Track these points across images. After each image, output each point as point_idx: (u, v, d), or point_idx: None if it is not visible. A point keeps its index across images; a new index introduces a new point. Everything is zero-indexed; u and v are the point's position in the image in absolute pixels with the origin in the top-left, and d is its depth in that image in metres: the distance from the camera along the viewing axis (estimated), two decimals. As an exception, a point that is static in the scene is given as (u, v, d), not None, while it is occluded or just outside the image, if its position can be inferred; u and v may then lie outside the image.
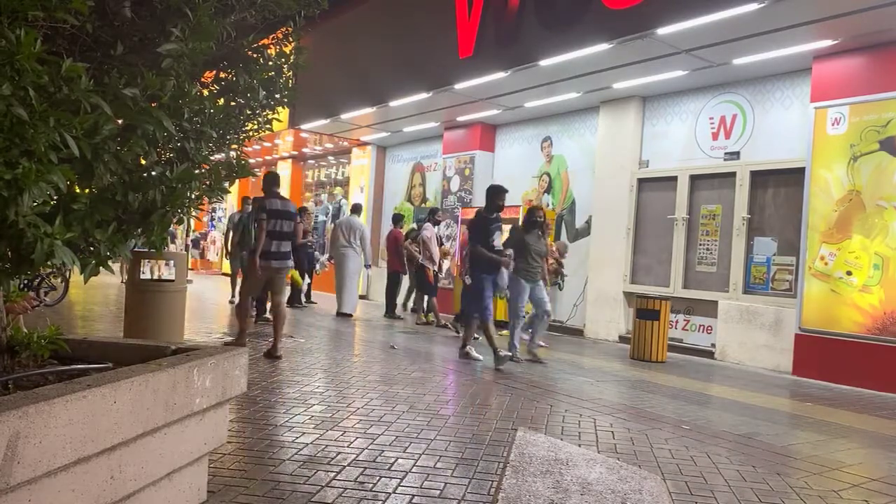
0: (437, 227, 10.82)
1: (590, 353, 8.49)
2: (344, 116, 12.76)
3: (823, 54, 7.40)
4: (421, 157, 14.54)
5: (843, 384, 6.94)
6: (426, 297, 10.41)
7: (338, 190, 17.10)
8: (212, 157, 2.94)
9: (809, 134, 7.52)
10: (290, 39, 3.50)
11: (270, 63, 3.24)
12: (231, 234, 10.92)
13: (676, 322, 9.08)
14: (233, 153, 3.15)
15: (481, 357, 7.02)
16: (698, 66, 8.21)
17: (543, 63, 8.57)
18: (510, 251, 7.16)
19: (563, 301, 10.77)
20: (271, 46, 3.39)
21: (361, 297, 13.13)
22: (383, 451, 3.69)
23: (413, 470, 3.39)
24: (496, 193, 7.10)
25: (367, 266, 11.65)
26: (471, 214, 10.82)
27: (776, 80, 8.33)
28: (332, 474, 3.24)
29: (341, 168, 17.34)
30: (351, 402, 4.80)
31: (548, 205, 11.27)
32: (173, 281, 6.22)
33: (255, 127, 3.29)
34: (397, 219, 11.37)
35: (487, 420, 4.56)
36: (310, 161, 18.61)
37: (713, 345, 8.56)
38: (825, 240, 7.27)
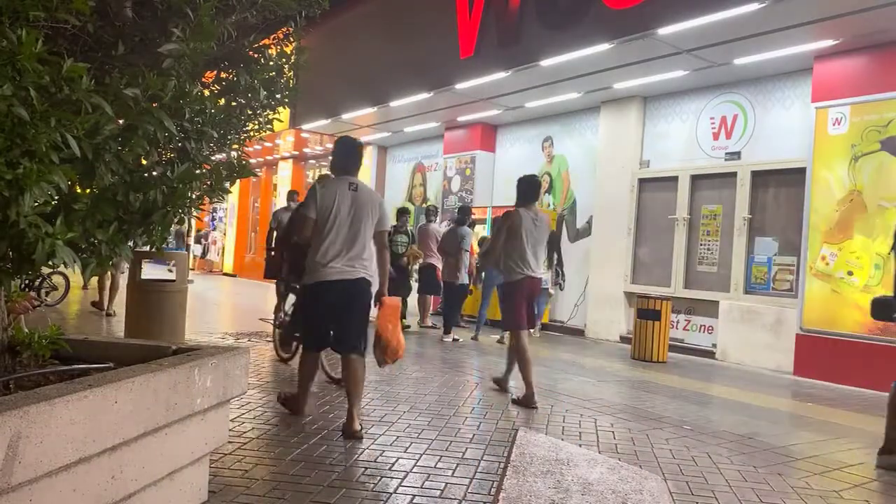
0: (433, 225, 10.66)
1: (591, 353, 8.49)
2: (345, 116, 12.77)
3: (824, 54, 7.39)
4: (422, 157, 14.55)
5: (845, 384, 6.93)
6: (426, 297, 10.26)
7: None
8: (213, 157, 2.94)
9: (810, 134, 7.52)
10: (291, 39, 3.50)
11: (271, 63, 3.24)
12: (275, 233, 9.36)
13: (677, 322, 9.08)
14: (234, 153, 3.15)
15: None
16: (699, 67, 8.20)
17: (544, 63, 8.57)
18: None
19: (563, 301, 10.77)
20: (272, 46, 3.39)
21: None
22: (384, 450, 3.69)
23: (414, 470, 3.39)
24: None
25: None
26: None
27: (777, 80, 8.32)
28: (333, 474, 3.24)
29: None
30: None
31: (549, 205, 11.27)
32: (174, 281, 6.23)
33: (256, 127, 3.29)
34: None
35: (488, 420, 4.56)
36: (311, 161, 18.61)
37: (714, 345, 8.55)
38: (826, 240, 7.26)
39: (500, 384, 5.63)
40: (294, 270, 5.21)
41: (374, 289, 4.11)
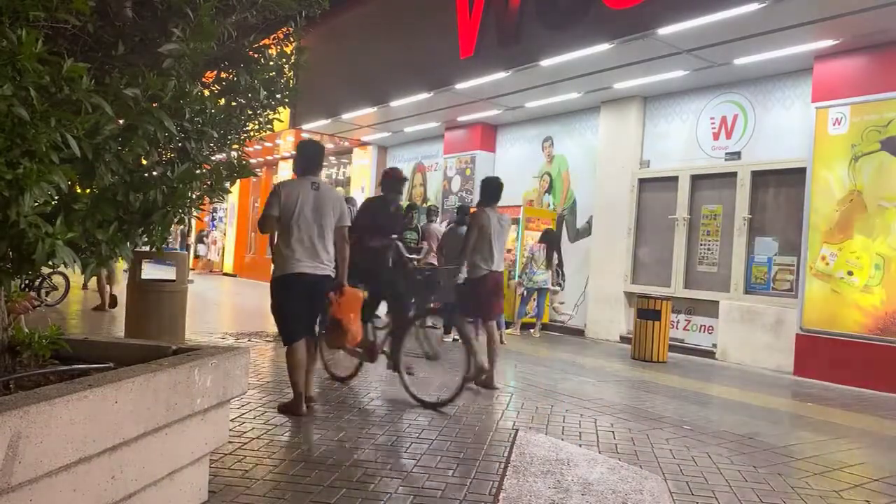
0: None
1: (591, 353, 8.49)
2: (345, 116, 12.77)
3: (824, 54, 7.39)
4: (422, 157, 14.55)
5: (845, 384, 6.93)
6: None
7: (339, 190, 17.09)
8: (213, 157, 2.94)
9: (810, 134, 7.52)
10: (291, 39, 3.51)
11: (271, 63, 3.24)
12: None
13: (677, 322, 9.08)
14: (234, 153, 3.15)
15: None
16: (699, 66, 8.20)
17: (544, 63, 8.57)
18: None
19: (563, 301, 10.77)
20: (272, 46, 3.39)
21: None
22: (384, 450, 3.69)
23: (414, 470, 3.39)
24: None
25: None
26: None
27: (777, 80, 8.32)
28: (334, 474, 3.24)
29: (342, 168, 17.36)
30: (352, 402, 4.80)
31: (549, 205, 11.28)
32: (174, 281, 6.23)
33: (257, 127, 3.29)
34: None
35: (488, 420, 4.55)
36: (311, 161, 18.59)
37: (714, 345, 8.55)
38: (826, 240, 7.26)
39: (486, 384, 5.59)
40: (363, 274, 5.07)
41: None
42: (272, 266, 4.38)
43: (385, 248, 5.48)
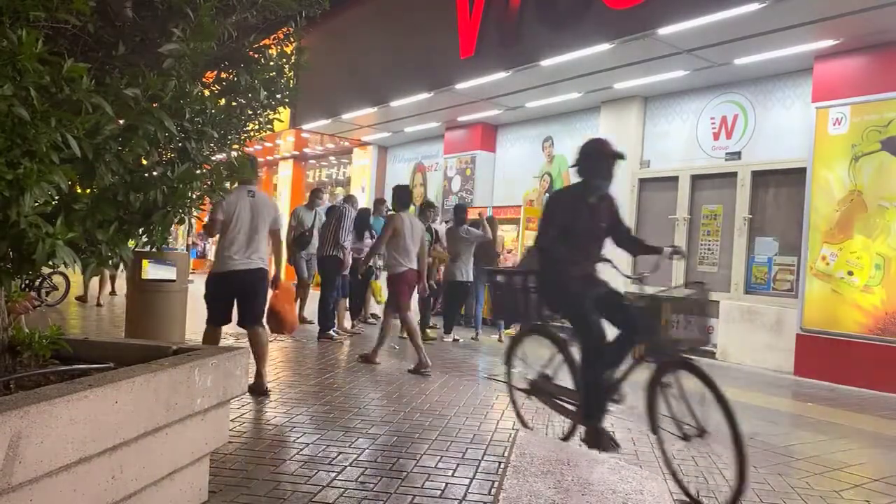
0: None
1: (591, 353, 8.47)
2: (345, 116, 12.77)
3: (825, 54, 7.39)
4: (422, 157, 14.54)
5: (845, 384, 6.93)
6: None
7: (339, 190, 17.10)
8: (213, 158, 2.94)
9: (811, 134, 7.51)
10: (292, 39, 3.50)
11: (272, 63, 3.24)
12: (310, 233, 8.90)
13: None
14: (234, 153, 3.15)
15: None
16: (699, 66, 8.20)
17: (545, 63, 8.57)
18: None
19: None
20: (272, 46, 3.39)
21: None
22: (384, 450, 3.69)
23: (414, 470, 3.40)
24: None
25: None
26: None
27: (777, 80, 8.32)
28: (334, 474, 3.24)
29: (342, 168, 17.35)
30: (352, 402, 4.80)
31: (549, 205, 11.25)
32: (174, 281, 6.22)
33: (257, 127, 3.29)
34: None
35: (489, 420, 4.55)
36: (311, 161, 18.62)
37: (714, 345, 8.54)
38: (827, 240, 7.26)
39: (369, 358, 6.41)
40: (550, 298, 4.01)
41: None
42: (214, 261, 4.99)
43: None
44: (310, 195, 9.30)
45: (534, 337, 4.21)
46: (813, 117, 7.49)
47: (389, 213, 7.62)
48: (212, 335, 4.96)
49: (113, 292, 10.15)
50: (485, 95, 10.44)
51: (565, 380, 3.91)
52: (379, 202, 9.67)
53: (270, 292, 5.12)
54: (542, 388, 4.09)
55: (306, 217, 8.91)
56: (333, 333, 7.97)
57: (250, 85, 2.97)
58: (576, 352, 3.81)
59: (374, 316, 10.03)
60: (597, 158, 3.74)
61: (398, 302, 6.38)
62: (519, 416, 4.37)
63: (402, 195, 6.67)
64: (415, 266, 6.43)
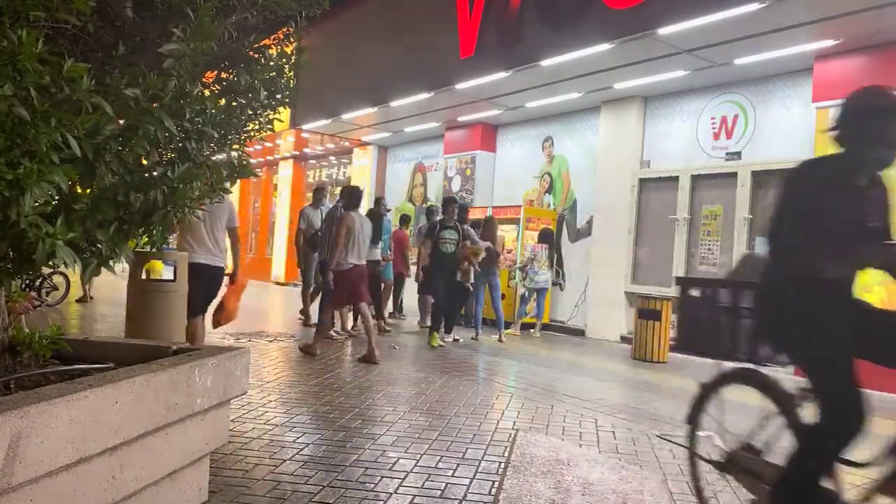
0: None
1: (591, 353, 8.49)
2: (345, 116, 12.77)
3: (825, 54, 7.39)
4: (422, 157, 14.55)
5: (845, 384, 6.91)
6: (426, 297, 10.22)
7: (339, 190, 17.09)
8: (213, 157, 2.94)
9: (811, 134, 7.51)
10: (292, 40, 3.50)
11: (272, 63, 3.24)
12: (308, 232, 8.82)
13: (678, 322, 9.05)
14: (234, 153, 3.15)
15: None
16: (699, 66, 8.20)
17: (545, 63, 8.57)
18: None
19: (564, 301, 10.77)
20: (272, 47, 3.39)
21: None
22: (385, 450, 3.69)
23: (414, 470, 3.39)
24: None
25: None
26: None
27: (777, 80, 8.32)
28: (334, 474, 3.24)
29: (342, 168, 17.36)
30: (352, 402, 4.80)
31: (549, 205, 11.27)
32: (174, 281, 6.22)
33: (257, 127, 3.29)
34: (404, 220, 10.94)
35: (489, 420, 4.55)
36: (311, 161, 18.62)
37: (714, 345, 8.53)
38: (827, 240, 7.25)
39: (309, 350, 6.68)
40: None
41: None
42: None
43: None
44: (314, 194, 9.28)
45: (738, 386, 2.94)
46: (813, 117, 7.49)
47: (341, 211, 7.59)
48: (198, 325, 5.37)
49: (89, 297, 10.44)
50: (485, 95, 10.45)
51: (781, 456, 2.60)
52: (378, 200, 9.67)
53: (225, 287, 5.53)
54: (743, 467, 2.76)
55: (315, 217, 8.83)
56: (334, 334, 7.96)
57: (250, 85, 2.97)
58: (808, 415, 2.52)
59: (392, 315, 10.14)
60: (878, 115, 2.42)
61: (334, 297, 6.84)
62: (700, 496, 2.94)
63: (354, 195, 7.18)
64: (363, 262, 6.81)
